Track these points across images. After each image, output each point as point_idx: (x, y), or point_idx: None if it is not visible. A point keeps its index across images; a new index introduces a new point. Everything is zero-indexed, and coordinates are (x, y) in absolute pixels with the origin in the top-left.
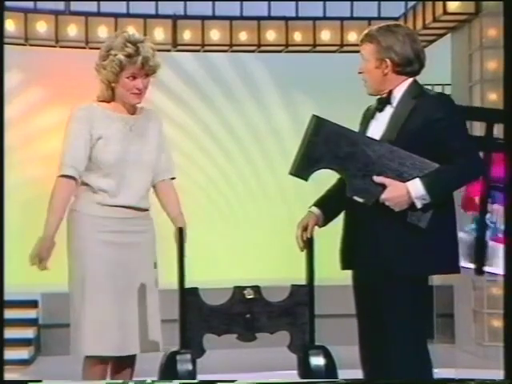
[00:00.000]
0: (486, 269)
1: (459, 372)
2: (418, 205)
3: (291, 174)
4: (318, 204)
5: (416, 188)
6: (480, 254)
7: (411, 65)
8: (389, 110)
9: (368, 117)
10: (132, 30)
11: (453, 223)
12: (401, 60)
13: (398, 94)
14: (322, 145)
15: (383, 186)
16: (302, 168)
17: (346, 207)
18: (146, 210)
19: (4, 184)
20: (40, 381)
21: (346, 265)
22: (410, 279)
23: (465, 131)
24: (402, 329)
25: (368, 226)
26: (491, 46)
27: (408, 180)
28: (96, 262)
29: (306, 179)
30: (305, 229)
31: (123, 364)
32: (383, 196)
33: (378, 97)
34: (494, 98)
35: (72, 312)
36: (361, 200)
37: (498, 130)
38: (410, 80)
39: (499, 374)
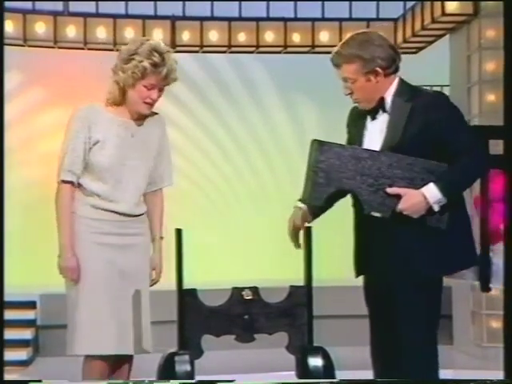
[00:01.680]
0: (492, 285)
1: (457, 373)
2: (436, 208)
3: (305, 203)
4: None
5: (432, 193)
6: (485, 272)
7: (395, 62)
8: (383, 117)
9: (358, 125)
10: (159, 36)
11: (467, 219)
12: (387, 63)
13: (389, 97)
14: (329, 169)
15: (398, 197)
16: (315, 196)
17: (356, 214)
18: (141, 214)
19: (4, 185)
20: (40, 381)
21: (361, 270)
22: (431, 280)
23: (466, 127)
24: (420, 330)
25: (386, 230)
26: (490, 47)
27: (420, 185)
28: (90, 263)
29: (321, 205)
30: (295, 225)
31: (120, 362)
32: (400, 206)
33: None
34: (492, 99)
35: (68, 312)
36: (378, 215)
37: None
38: (396, 80)
39: (498, 375)
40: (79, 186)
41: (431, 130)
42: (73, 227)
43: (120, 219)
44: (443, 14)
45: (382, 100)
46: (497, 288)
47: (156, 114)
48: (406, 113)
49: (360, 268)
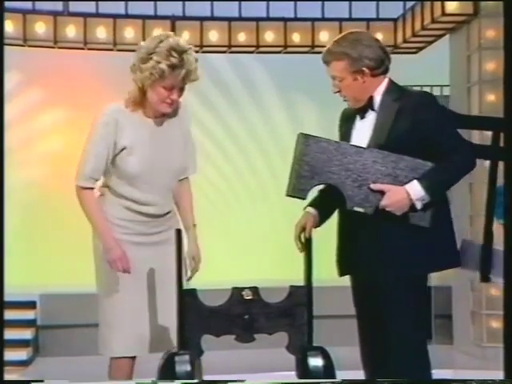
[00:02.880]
0: (492, 277)
1: (457, 373)
2: (418, 206)
3: (288, 195)
4: (313, 204)
5: (415, 190)
6: (486, 262)
7: (384, 63)
8: (372, 115)
9: (348, 123)
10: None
11: (449, 218)
12: (375, 63)
13: (377, 97)
14: (314, 162)
15: (381, 193)
16: (298, 189)
17: (340, 213)
18: (170, 211)
19: (4, 186)
20: (41, 381)
21: (345, 270)
22: (414, 279)
23: (452, 127)
24: (407, 329)
25: (369, 228)
26: (490, 47)
27: (404, 182)
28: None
29: (304, 198)
30: (303, 229)
31: None
32: (383, 202)
33: (360, 106)
34: (492, 99)
35: (101, 312)
36: (362, 210)
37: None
38: (386, 80)
39: (498, 375)
40: (108, 187)
41: (418, 130)
42: (107, 223)
43: (151, 219)
44: (443, 13)
45: (370, 99)
46: (497, 280)
47: (181, 103)
48: (394, 112)
49: (344, 267)
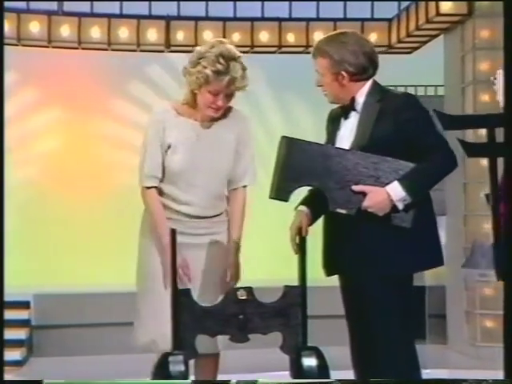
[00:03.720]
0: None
1: (452, 372)
2: (400, 207)
3: (271, 197)
4: (304, 203)
5: (396, 191)
6: (499, 261)
7: (367, 71)
8: (355, 116)
9: (334, 124)
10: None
11: (433, 218)
12: (356, 69)
13: (360, 98)
14: (297, 165)
15: (363, 194)
16: (282, 191)
17: (326, 214)
18: (216, 215)
19: (4, 186)
20: (40, 381)
21: (331, 270)
22: (398, 279)
23: (434, 127)
24: (390, 328)
25: (352, 229)
26: (484, 47)
27: (386, 183)
28: (160, 261)
29: (287, 200)
30: (299, 230)
31: (206, 359)
32: (365, 204)
33: (341, 104)
34: (486, 99)
35: (139, 307)
36: (344, 211)
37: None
38: (370, 82)
39: (492, 375)
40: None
41: (401, 131)
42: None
43: (192, 220)
44: (437, 14)
45: (353, 100)
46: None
47: (237, 111)
48: (375, 113)
49: (330, 268)
